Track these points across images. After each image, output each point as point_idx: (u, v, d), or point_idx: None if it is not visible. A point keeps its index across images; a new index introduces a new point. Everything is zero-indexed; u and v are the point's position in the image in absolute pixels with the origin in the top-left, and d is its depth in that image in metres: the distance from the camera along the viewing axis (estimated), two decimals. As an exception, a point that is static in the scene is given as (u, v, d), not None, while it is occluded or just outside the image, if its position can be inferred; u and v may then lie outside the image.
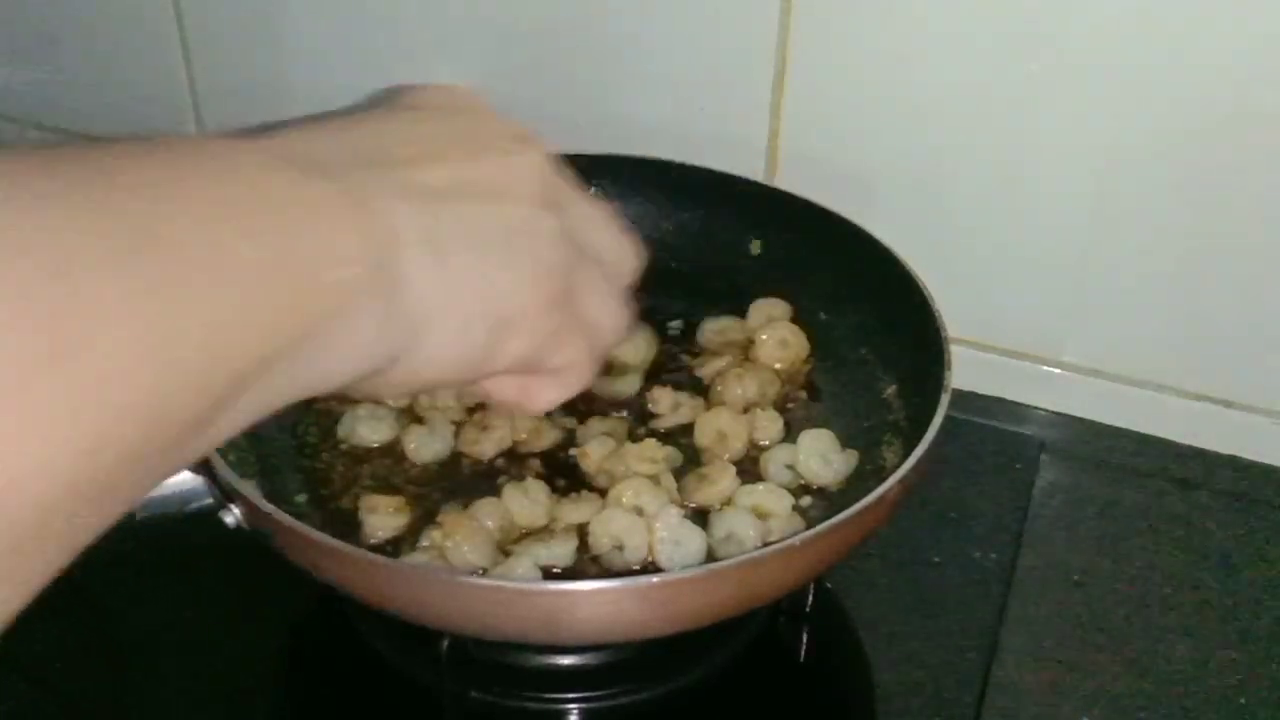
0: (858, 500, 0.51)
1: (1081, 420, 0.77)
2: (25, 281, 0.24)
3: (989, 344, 0.78)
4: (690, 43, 0.77)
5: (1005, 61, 0.69)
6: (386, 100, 0.42)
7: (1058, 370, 0.78)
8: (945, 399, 0.56)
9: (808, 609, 0.63)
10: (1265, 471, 0.74)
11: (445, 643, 0.54)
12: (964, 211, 0.75)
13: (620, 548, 0.58)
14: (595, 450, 0.62)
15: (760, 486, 0.60)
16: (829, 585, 0.65)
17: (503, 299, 0.38)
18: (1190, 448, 0.75)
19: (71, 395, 0.24)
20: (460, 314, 0.36)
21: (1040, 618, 0.64)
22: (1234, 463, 0.74)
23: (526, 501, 0.59)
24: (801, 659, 0.63)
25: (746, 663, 0.61)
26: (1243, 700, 0.60)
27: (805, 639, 0.63)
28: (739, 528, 0.58)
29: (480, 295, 0.37)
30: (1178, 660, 0.62)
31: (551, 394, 0.43)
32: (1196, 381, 0.74)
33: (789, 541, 0.49)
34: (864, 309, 0.69)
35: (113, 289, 0.25)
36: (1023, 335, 0.77)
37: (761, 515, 0.59)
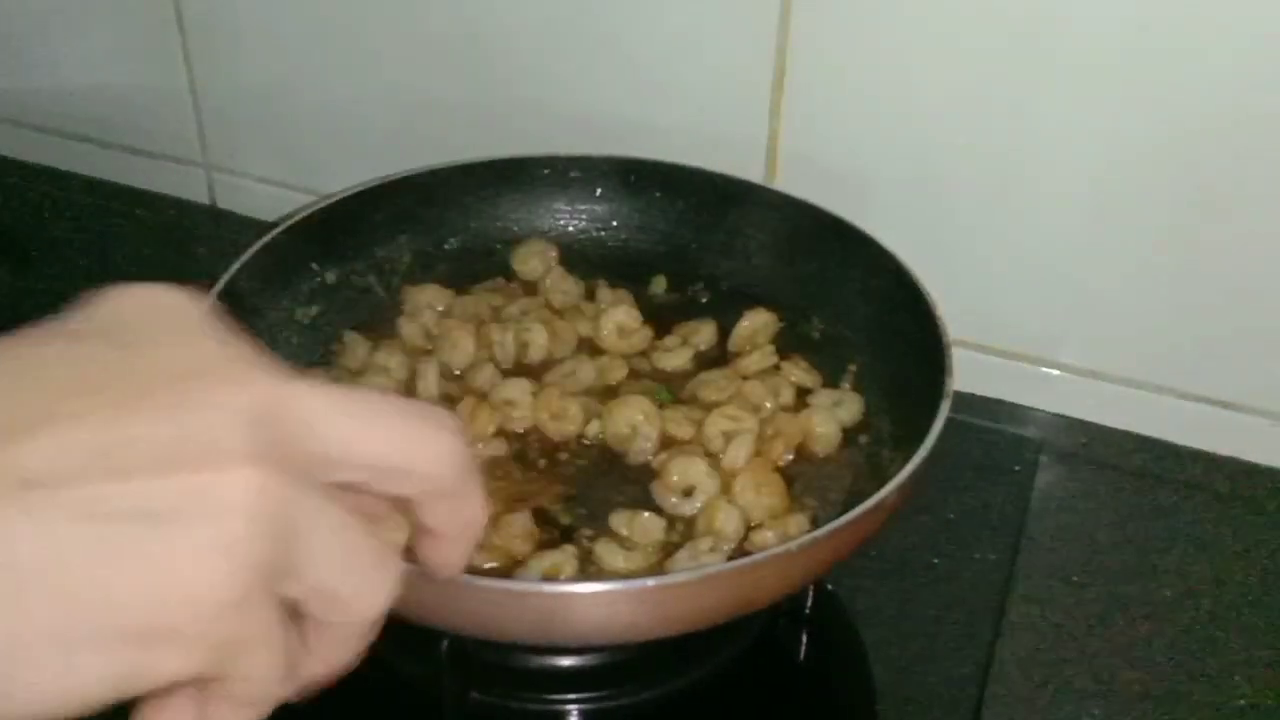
0: (857, 503, 0.51)
1: (1081, 422, 0.77)
2: None
3: (988, 345, 0.78)
4: (690, 43, 0.77)
5: (1005, 63, 0.70)
6: (68, 313, 0.31)
7: (1057, 372, 0.78)
8: (946, 402, 0.56)
9: (807, 610, 0.63)
10: (1265, 473, 0.74)
11: (445, 643, 0.54)
12: (963, 213, 0.75)
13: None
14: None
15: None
16: (829, 587, 0.65)
17: (149, 601, 0.27)
18: (1190, 449, 0.75)
19: None
20: (80, 623, 0.27)
21: (1039, 619, 0.64)
22: (1234, 464, 0.74)
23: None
24: (801, 660, 0.63)
25: (746, 664, 0.61)
26: (1242, 701, 0.60)
27: (805, 640, 0.63)
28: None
29: (109, 597, 0.27)
30: (1177, 661, 0.62)
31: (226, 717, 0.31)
32: (1196, 383, 0.74)
33: (788, 545, 0.49)
34: (864, 311, 0.69)
35: None
36: (1022, 336, 0.77)
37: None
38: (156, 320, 0.31)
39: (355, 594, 0.33)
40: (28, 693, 0.27)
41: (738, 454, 0.62)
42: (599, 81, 0.81)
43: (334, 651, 0.35)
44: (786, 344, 0.71)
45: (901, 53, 0.72)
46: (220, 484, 0.28)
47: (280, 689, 0.32)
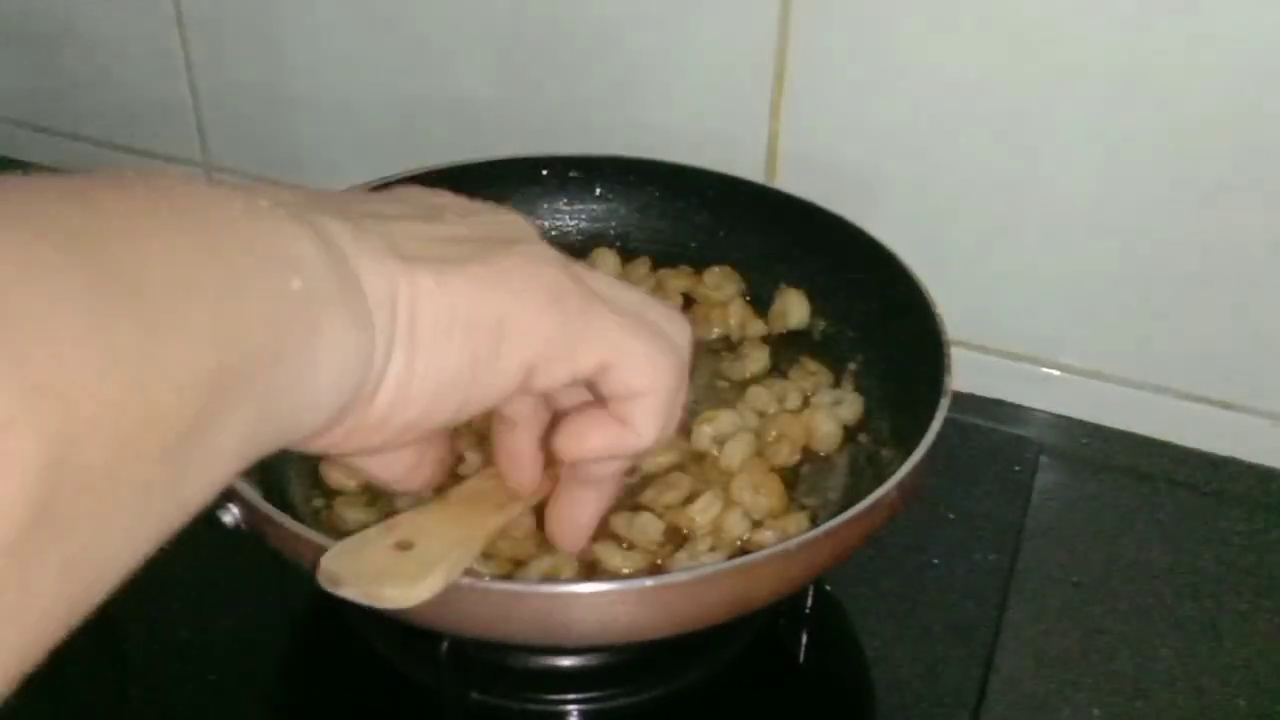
0: (856, 502, 0.51)
1: (1080, 422, 0.77)
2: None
3: (988, 346, 0.78)
4: (690, 44, 0.77)
5: (1005, 63, 0.70)
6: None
7: (1057, 372, 0.78)
8: (945, 402, 0.56)
9: (807, 610, 0.63)
10: (1265, 473, 0.74)
11: (445, 644, 0.54)
12: (963, 213, 0.75)
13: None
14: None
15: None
16: (829, 587, 0.65)
17: (491, 300, 0.34)
18: (1190, 450, 0.75)
19: (37, 416, 0.22)
20: (435, 318, 0.33)
21: (1039, 619, 0.65)
22: (1234, 464, 0.74)
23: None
24: (801, 660, 0.63)
25: (746, 664, 0.61)
26: (1242, 702, 0.60)
27: (805, 640, 0.63)
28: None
29: (459, 300, 0.34)
30: (1177, 663, 0.62)
31: (648, 408, 0.38)
32: (1196, 384, 0.74)
33: (787, 544, 0.49)
34: (864, 311, 0.69)
35: (70, 318, 0.24)
36: (1022, 337, 0.77)
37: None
38: (434, 196, 0.40)
39: (666, 319, 0.40)
40: (411, 374, 0.33)
41: (734, 454, 0.62)
42: (599, 81, 0.81)
43: (641, 299, 0.40)
44: (787, 344, 0.71)
45: (901, 53, 0.72)
46: (532, 246, 0.37)
47: (661, 377, 0.38)
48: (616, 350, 0.37)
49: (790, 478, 0.63)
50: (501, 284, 0.35)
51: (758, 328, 0.72)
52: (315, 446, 0.34)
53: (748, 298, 0.74)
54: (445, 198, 0.40)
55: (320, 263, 0.30)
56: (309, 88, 0.89)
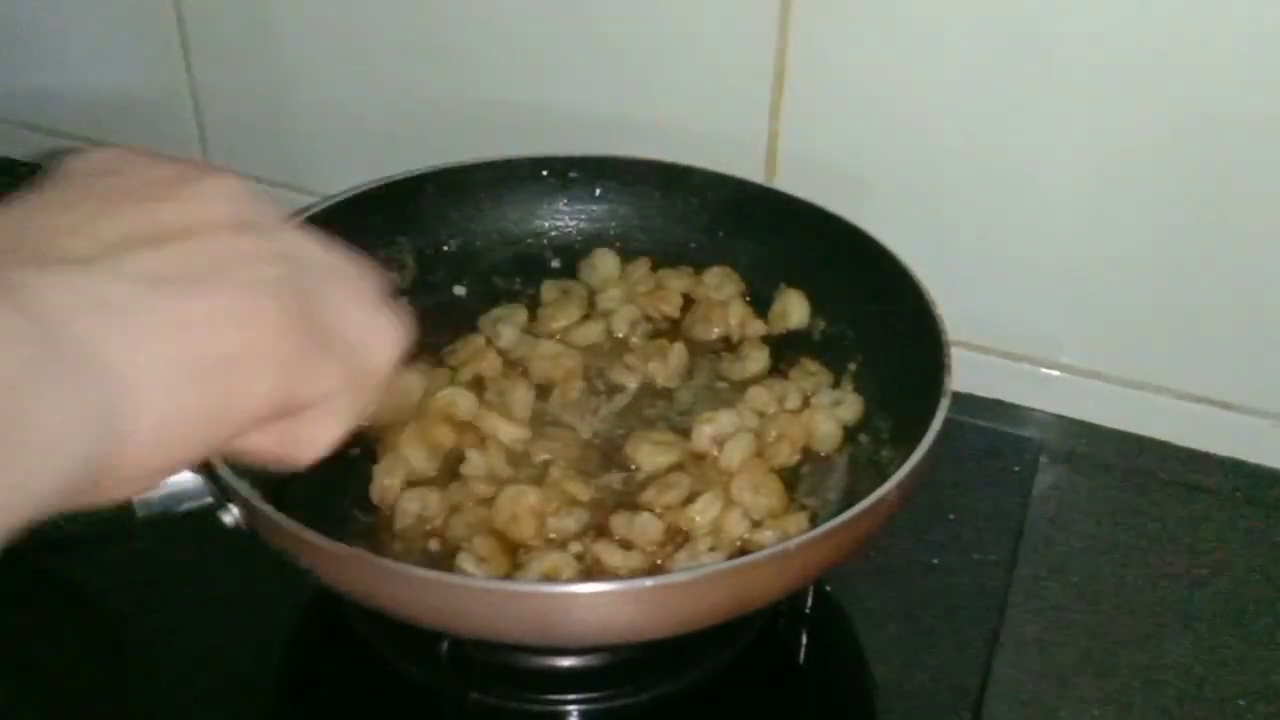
0: (856, 502, 0.51)
1: (1080, 422, 0.77)
2: None
3: (988, 346, 0.78)
4: (690, 43, 0.77)
5: (1004, 63, 0.70)
6: (35, 182, 0.36)
7: (1056, 372, 0.78)
8: (945, 402, 0.56)
9: (807, 611, 0.63)
10: (1265, 474, 0.74)
11: (444, 644, 0.55)
12: (963, 213, 0.75)
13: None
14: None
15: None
16: (828, 587, 0.65)
17: (220, 337, 0.32)
18: (1189, 450, 0.75)
19: None
20: (171, 370, 0.31)
21: (1039, 620, 0.64)
22: (1233, 465, 0.74)
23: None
24: (801, 661, 0.63)
25: (746, 664, 0.61)
26: (1242, 702, 0.60)
27: (805, 641, 0.63)
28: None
29: (189, 340, 0.31)
30: (1177, 662, 0.62)
31: (319, 434, 0.37)
32: (1196, 383, 0.74)
33: (786, 545, 0.49)
34: (863, 310, 0.69)
35: None
36: (1021, 337, 0.77)
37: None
38: (117, 158, 0.37)
39: (372, 341, 0.38)
40: (149, 432, 0.31)
41: (734, 455, 0.62)
42: (599, 81, 0.81)
43: (378, 325, 0.39)
44: (787, 344, 0.71)
45: (901, 53, 0.72)
46: (233, 242, 0.34)
47: (355, 405, 0.37)
48: (336, 393, 0.37)
49: (790, 478, 0.63)
50: (229, 316, 0.33)
51: (757, 328, 0.72)
52: (66, 506, 0.30)
53: (748, 298, 0.74)
54: (137, 183, 0.36)
55: (22, 335, 0.28)
56: (308, 88, 0.89)
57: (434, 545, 0.59)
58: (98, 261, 0.31)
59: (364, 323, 0.37)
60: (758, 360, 0.70)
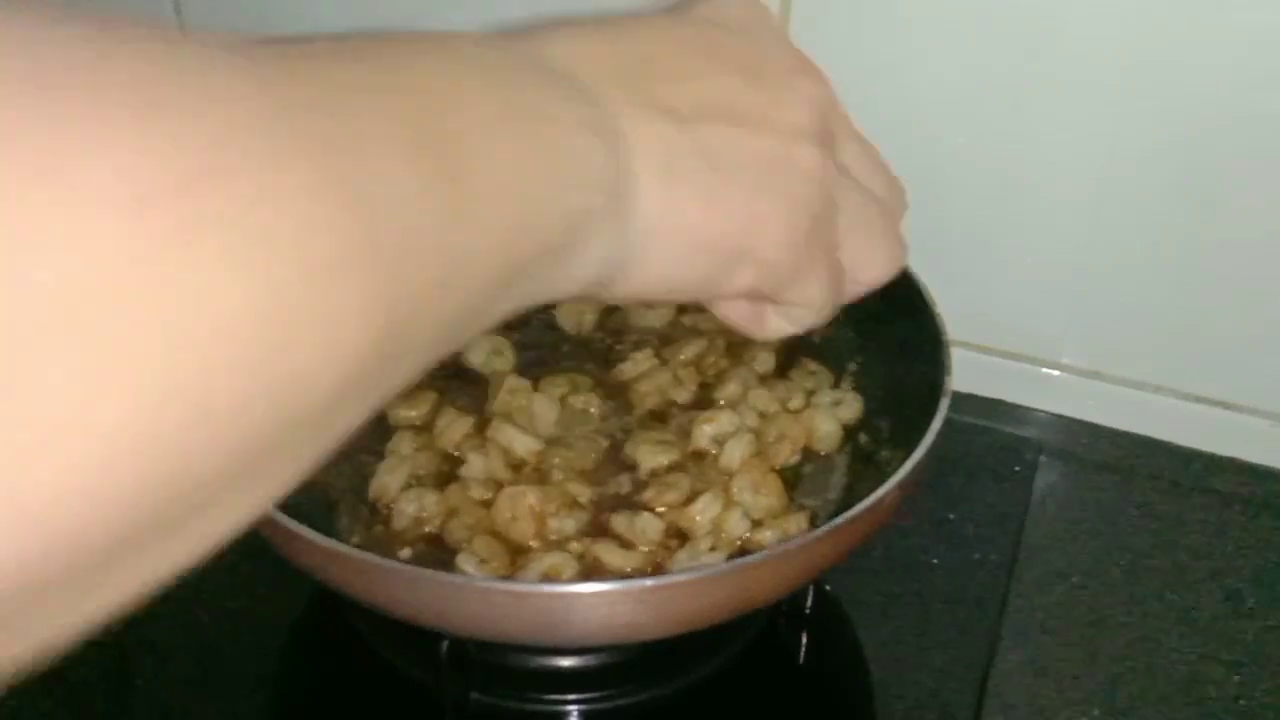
0: (856, 502, 0.51)
1: (1080, 422, 0.77)
2: (328, 169, 0.23)
3: (988, 346, 0.78)
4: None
5: (1004, 63, 0.70)
6: (676, 9, 0.41)
7: (1057, 372, 0.78)
8: (945, 402, 0.56)
9: (807, 611, 0.63)
10: (1265, 474, 0.74)
11: (445, 644, 0.55)
12: (963, 213, 0.75)
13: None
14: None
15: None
16: (828, 587, 0.65)
17: (737, 230, 0.36)
18: (1190, 450, 0.75)
19: (369, 285, 0.23)
20: (685, 240, 0.35)
21: (1039, 620, 0.65)
22: (1233, 465, 0.74)
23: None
24: (801, 661, 0.63)
25: (746, 664, 0.61)
26: (1242, 703, 0.60)
27: (805, 641, 0.63)
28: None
29: (711, 223, 0.35)
30: (1177, 663, 0.62)
31: (780, 327, 0.41)
32: (1196, 383, 0.74)
33: (786, 545, 0.49)
34: (863, 310, 0.69)
35: (406, 183, 0.25)
36: (1022, 337, 0.77)
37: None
38: (750, 19, 0.40)
39: (872, 253, 0.42)
40: (647, 275, 0.35)
41: (734, 454, 0.62)
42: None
43: (880, 256, 0.42)
44: (787, 344, 0.71)
45: (902, 53, 0.72)
46: (799, 154, 0.37)
47: (818, 318, 0.41)
48: (810, 304, 0.40)
49: (790, 478, 0.63)
50: (756, 217, 0.36)
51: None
52: (577, 295, 0.36)
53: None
54: (752, 55, 0.39)
55: (608, 168, 0.33)
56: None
57: (433, 545, 0.59)
58: (683, 122, 0.35)
59: (864, 249, 0.41)
60: (764, 362, 0.70)
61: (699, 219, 0.35)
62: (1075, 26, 0.67)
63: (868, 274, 0.42)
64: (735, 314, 0.41)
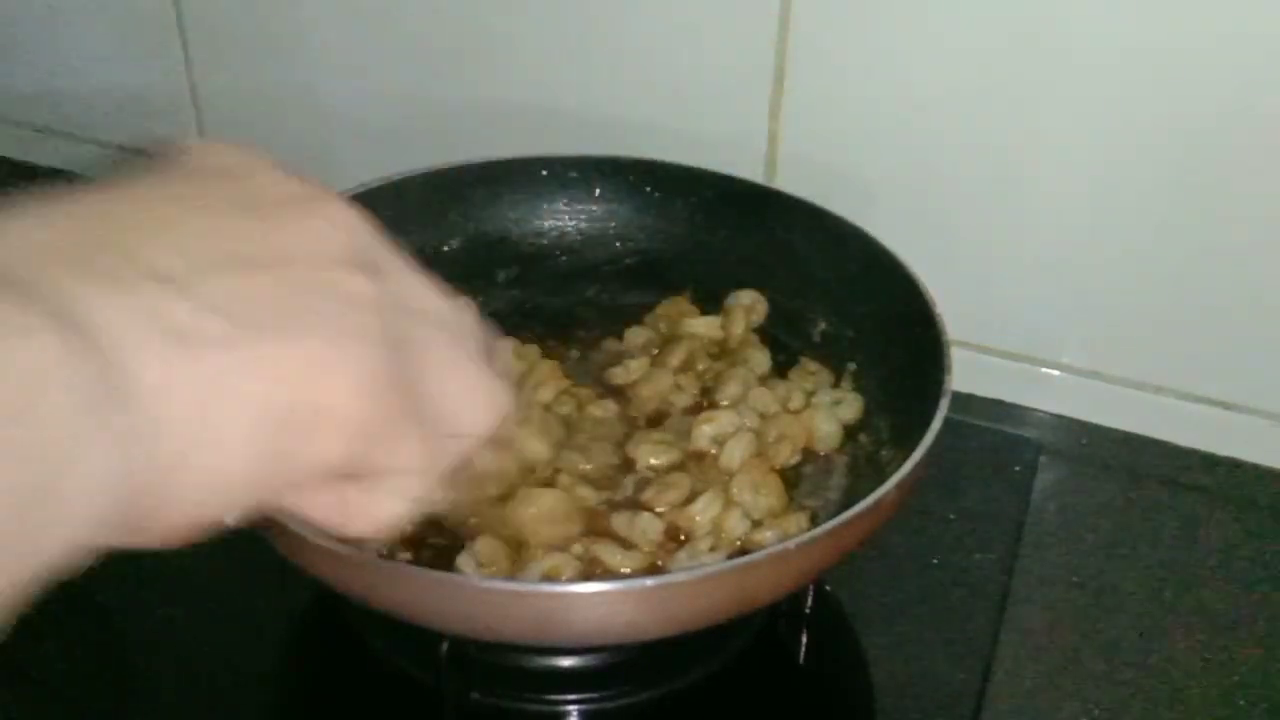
0: (856, 502, 0.51)
1: (1080, 422, 0.77)
2: None
3: (988, 346, 0.78)
4: (690, 43, 0.77)
5: (1005, 63, 0.70)
6: (152, 165, 0.33)
7: (1057, 372, 0.78)
8: (945, 402, 0.56)
9: (807, 611, 0.63)
10: (1265, 474, 0.74)
11: (445, 644, 0.55)
12: (963, 213, 0.75)
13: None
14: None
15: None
16: (828, 587, 0.65)
17: (295, 390, 0.29)
18: (1190, 450, 0.75)
19: None
20: (232, 419, 0.28)
21: (1039, 620, 0.64)
22: (1233, 465, 0.74)
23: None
24: (801, 661, 0.63)
25: (746, 664, 0.61)
26: (1242, 702, 0.60)
27: (804, 641, 0.63)
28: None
29: (259, 389, 0.28)
30: (1177, 662, 0.62)
31: (380, 508, 0.33)
32: (1196, 384, 0.74)
33: (786, 544, 0.49)
34: (863, 310, 0.69)
35: None
36: (1022, 337, 0.77)
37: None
38: (243, 162, 0.33)
39: (467, 408, 0.34)
40: (191, 488, 0.27)
41: (734, 454, 0.62)
42: (599, 81, 0.81)
43: (476, 392, 0.35)
44: (788, 344, 0.71)
45: (901, 53, 0.72)
46: (341, 283, 0.30)
47: (425, 484, 0.33)
48: (410, 472, 0.33)
49: (791, 477, 0.63)
50: (315, 365, 0.29)
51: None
52: (97, 549, 0.28)
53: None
54: (251, 196, 0.32)
55: (82, 384, 0.25)
56: (309, 88, 0.89)
57: (433, 545, 0.59)
58: (180, 282, 0.27)
59: (463, 391, 0.34)
60: (760, 363, 0.70)
61: (248, 391, 0.28)
62: (1075, 26, 0.67)
63: (468, 419, 0.34)
64: (320, 509, 0.32)
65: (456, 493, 0.35)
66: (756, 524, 0.60)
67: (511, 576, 0.56)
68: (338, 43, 0.87)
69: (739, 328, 0.71)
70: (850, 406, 0.66)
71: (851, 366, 0.69)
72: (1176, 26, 0.65)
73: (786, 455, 0.64)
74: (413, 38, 0.84)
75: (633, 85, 0.80)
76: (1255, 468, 0.74)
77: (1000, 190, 0.73)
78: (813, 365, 0.69)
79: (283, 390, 0.28)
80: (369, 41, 0.86)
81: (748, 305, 0.73)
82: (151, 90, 0.95)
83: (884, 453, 0.63)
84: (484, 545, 0.58)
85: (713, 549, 0.58)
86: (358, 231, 0.32)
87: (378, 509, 0.33)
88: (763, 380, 0.69)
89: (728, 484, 0.61)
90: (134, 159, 0.98)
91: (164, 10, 0.91)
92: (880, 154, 0.75)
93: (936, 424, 0.55)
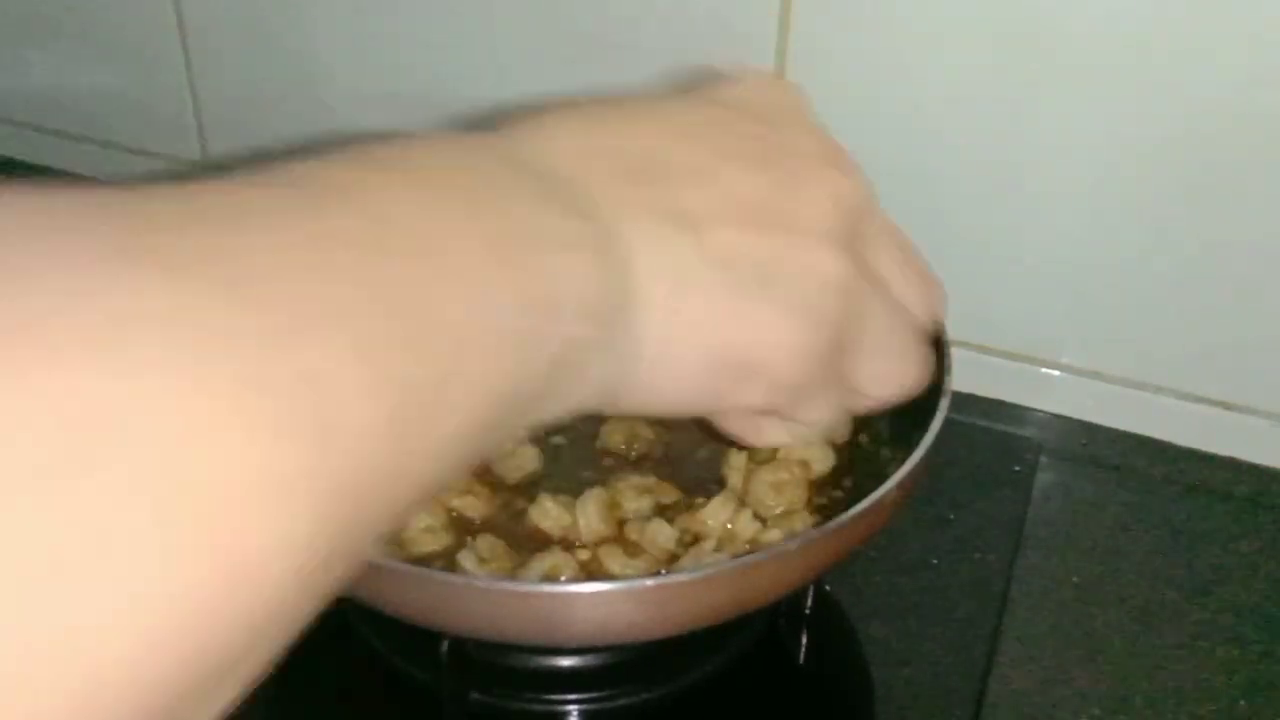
0: (857, 502, 0.51)
1: (1080, 422, 0.77)
2: (265, 389, 0.21)
3: (988, 346, 0.78)
4: (690, 44, 0.77)
5: (1005, 62, 0.70)
6: (698, 87, 0.37)
7: (1057, 372, 0.78)
8: (945, 402, 0.56)
9: (807, 611, 0.63)
10: (1265, 474, 0.74)
11: (445, 644, 0.55)
12: (963, 213, 0.75)
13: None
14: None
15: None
16: (828, 587, 0.65)
17: (751, 347, 0.33)
18: (1189, 450, 0.75)
19: (311, 462, 0.21)
20: (693, 358, 0.32)
21: (1039, 620, 0.64)
22: (1233, 465, 0.74)
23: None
24: (801, 661, 0.63)
25: (746, 665, 0.61)
26: (1242, 703, 0.60)
27: (804, 641, 0.63)
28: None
29: (723, 341, 0.32)
30: (1177, 662, 0.62)
31: (776, 437, 0.38)
32: (1196, 384, 0.74)
33: (786, 545, 0.49)
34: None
35: (360, 395, 0.22)
36: (1022, 337, 0.77)
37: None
38: (781, 105, 0.37)
39: (891, 374, 0.38)
40: (650, 394, 0.32)
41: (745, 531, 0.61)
42: (598, 82, 0.81)
43: (893, 376, 0.39)
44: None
45: (901, 53, 0.72)
46: (824, 262, 0.34)
47: (819, 436, 0.40)
48: (814, 424, 0.38)
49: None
50: (772, 334, 0.33)
51: None
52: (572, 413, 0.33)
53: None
54: (776, 149, 0.35)
55: (606, 292, 0.29)
56: (308, 88, 0.89)
57: (434, 545, 0.59)
58: (699, 227, 0.31)
59: (883, 366, 0.37)
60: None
61: (710, 337, 0.32)
62: (1075, 26, 0.67)
63: (882, 391, 0.38)
64: (732, 423, 0.38)
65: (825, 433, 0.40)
66: (763, 524, 0.59)
67: (512, 576, 0.56)
68: (337, 43, 0.87)
69: None
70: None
71: None
72: (1176, 26, 0.65)
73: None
74: (413, 38, 0.84)
75: (633, 85, 0.80)
76: (1255, 468, 0.74)
77: (1000, 190, 0.73)
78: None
79: (734, 345, 0.33)
80: (368, 41, 0.86)
81: None
82: (151, 90, 0.95)
83: (884, 453, 0.63)
84: (484, 543, 0.58)
85: (717, 549, 0.58)
86: (856, 203, 0.36)
87: (773, 435, 0.38)
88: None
89: (743, 483, 0.60)
90: (134, 159, 0.99)
91: (164, 10, 0.91)
92: (880, 154, 0.75)
93: (936, 424, 0.55)
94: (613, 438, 0.65)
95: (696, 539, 0.59)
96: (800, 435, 0.38)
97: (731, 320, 0.32)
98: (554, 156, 0.31)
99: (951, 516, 0.70)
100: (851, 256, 0.35)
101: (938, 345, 0.60)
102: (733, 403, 0.34)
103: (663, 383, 0.32)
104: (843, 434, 0.38)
